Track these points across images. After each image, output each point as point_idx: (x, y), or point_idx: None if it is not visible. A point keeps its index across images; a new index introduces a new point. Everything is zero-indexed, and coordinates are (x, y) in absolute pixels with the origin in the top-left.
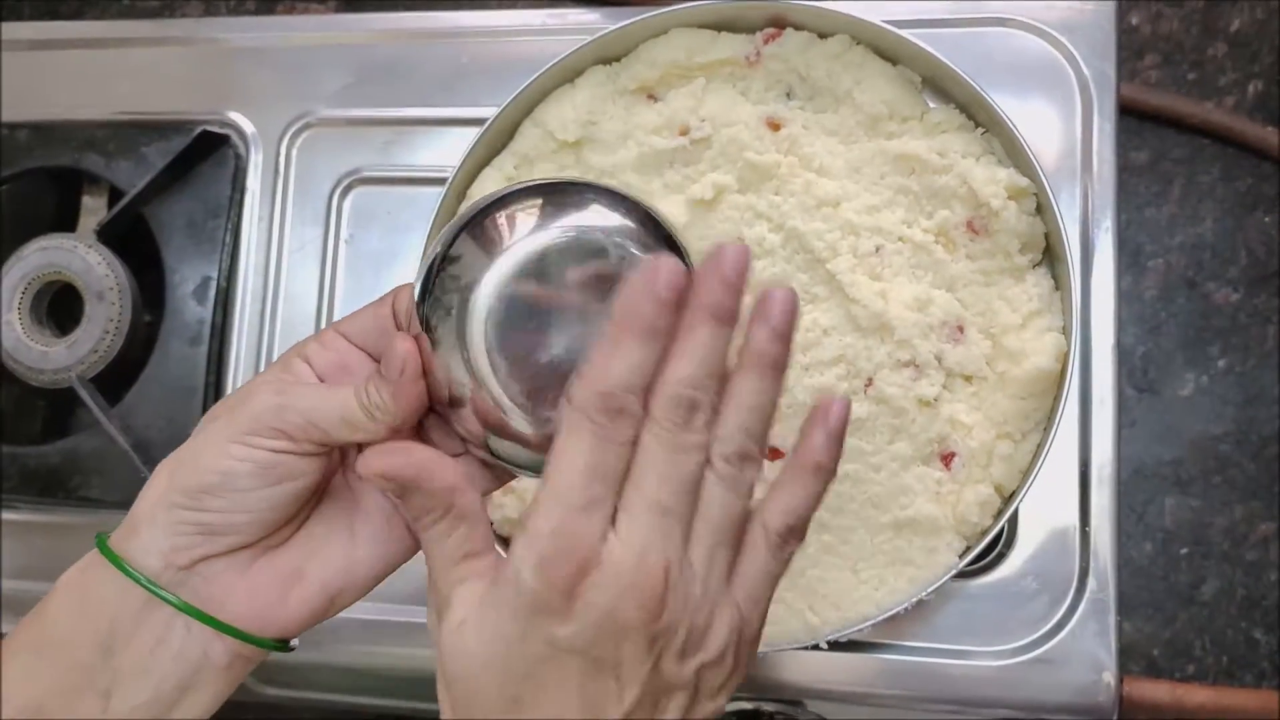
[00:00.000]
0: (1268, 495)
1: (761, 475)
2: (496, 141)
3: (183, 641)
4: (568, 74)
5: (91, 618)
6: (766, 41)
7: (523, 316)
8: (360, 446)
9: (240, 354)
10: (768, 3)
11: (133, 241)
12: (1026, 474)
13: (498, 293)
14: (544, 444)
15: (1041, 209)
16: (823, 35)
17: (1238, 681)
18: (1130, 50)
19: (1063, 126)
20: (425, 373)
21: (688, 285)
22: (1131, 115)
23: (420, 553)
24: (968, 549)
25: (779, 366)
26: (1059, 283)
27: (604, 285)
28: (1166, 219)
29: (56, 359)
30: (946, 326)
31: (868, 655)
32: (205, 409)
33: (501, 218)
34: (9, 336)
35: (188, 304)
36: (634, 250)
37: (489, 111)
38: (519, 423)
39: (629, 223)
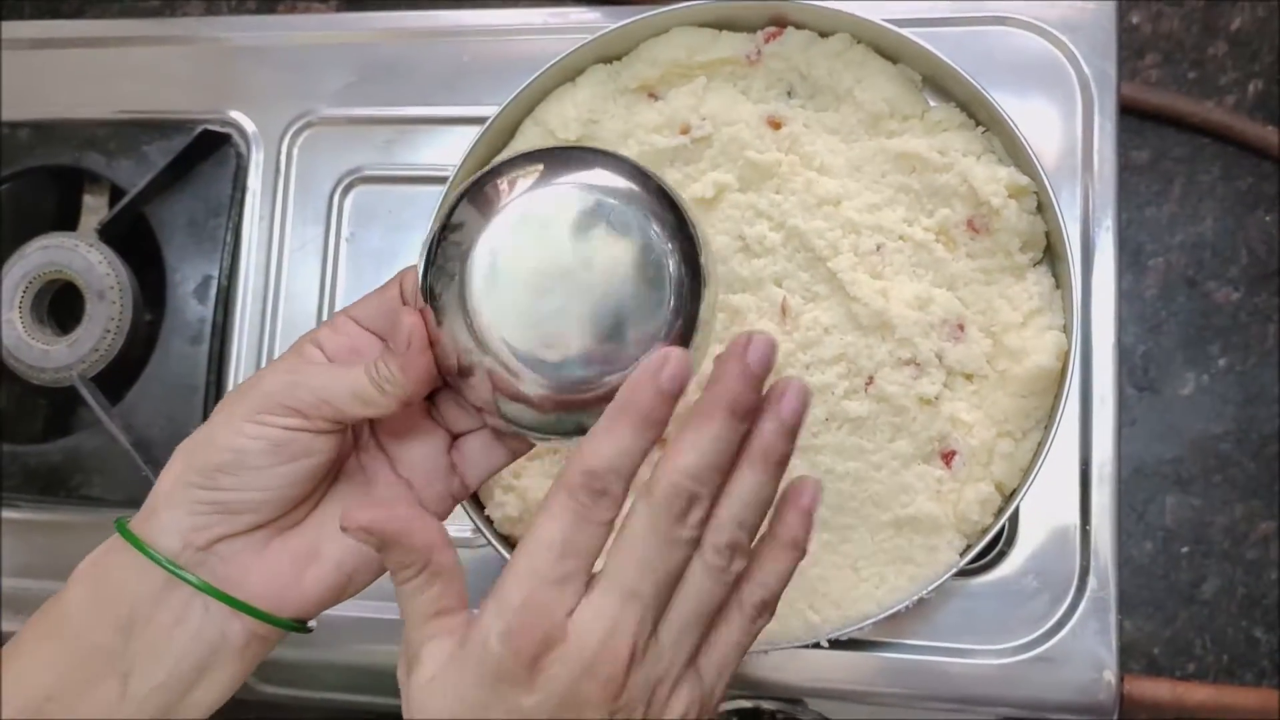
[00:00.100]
0: (1268, 494)
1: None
2: (498, 140)
3: (201, 622)
4: (569, 73)
5: (110, 601)
6: (767, 40)
7: (521, 272)
8: (372, 424)
9: (241, 353)
10: (768, 2)
11: (134, 240)
12: (1027, 472)
13: (495, 250)
14: (553, 404)
15: (1042, 207)
16: (823, 34)
17: (1238, 680)
18: (1131, 49)
19: (1063, 125)
20: (433, 344)
21: (688, 377)
22: (1132, 114)
23: None
24: (968, 547)
25: (783, 463)
26: (1059, 281)
27: (604, 237)
28: (1167, 218)
29: (57, 358)
30: (947, 325)
31: (868, 654)
32: (206, 407)
33: (503, 182)
34: (10, 335)
35: (189, 303)
36: (634, 206)
37: (490, 110)
38: (528, 382)
39: (631, 184)
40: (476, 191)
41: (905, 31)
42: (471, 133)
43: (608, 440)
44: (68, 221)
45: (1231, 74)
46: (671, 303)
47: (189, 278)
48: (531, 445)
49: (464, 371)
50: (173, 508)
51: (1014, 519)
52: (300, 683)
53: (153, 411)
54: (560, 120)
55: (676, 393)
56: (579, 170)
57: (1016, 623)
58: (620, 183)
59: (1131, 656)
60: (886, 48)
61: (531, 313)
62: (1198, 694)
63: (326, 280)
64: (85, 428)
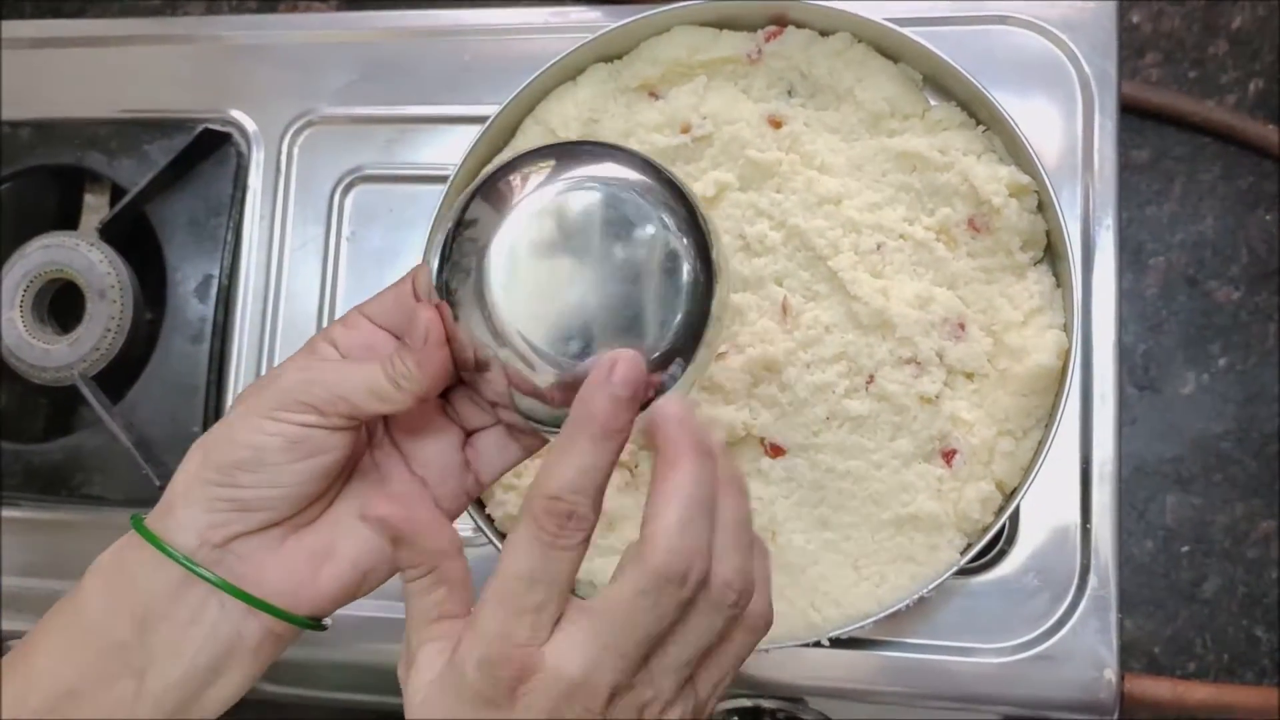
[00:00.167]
0: (1268, 493)
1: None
2: (498, 139)
3: (216, 619)
4: (569, 72)
5: (126, 598)
6: (768, 39)
7: (538, 266)
8: (387, 421)
9: (242, 352)
10: (769, 1)
11: (135, 239)
12: (1028, 471)
13: (511, 245)
14: (568, 398)
15: (1043, 206)
16: (824, 33)
17: (1239, 679)
18: (1131, 48)
19: (1064, 124)
20: (449, 339)
21: (644, 380)
22: (1132, 113)
23: None
24: (969, 546)
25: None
26: (1060, 280)
27: (618, 230)
28: (1167, 217)
29: (58, 357)
30: (948, 323)
31: (869, 652)
32: (207, 406)
33: (515, 178)
34: (11, 334)
35: (189, 302)
36: (647, 200)
37: (491, 109)
38: (544, 374)
39: (643, 177)
40: (490, 188)
41: (906, 31)
42: (472, 132)
43: (565, 459)
44: (69, 221)
45: (1232, 73)
46: (686, 295)
47: (190, 277)
48: (545, 441)
49: (480, 366)
50: (190, 505)
51: (1014, 518)
52: (307, 682)
53: (154, 410)
54: (561, 119)
55: (631, 396)
56: (591, 164)
57: (1017, 621)
58: (633, 176)
59: (1132, 655)
60: (887, 47)
61: (548, 306)
62: (1198, 693)
63: (327, 279)
64: (86, 427)
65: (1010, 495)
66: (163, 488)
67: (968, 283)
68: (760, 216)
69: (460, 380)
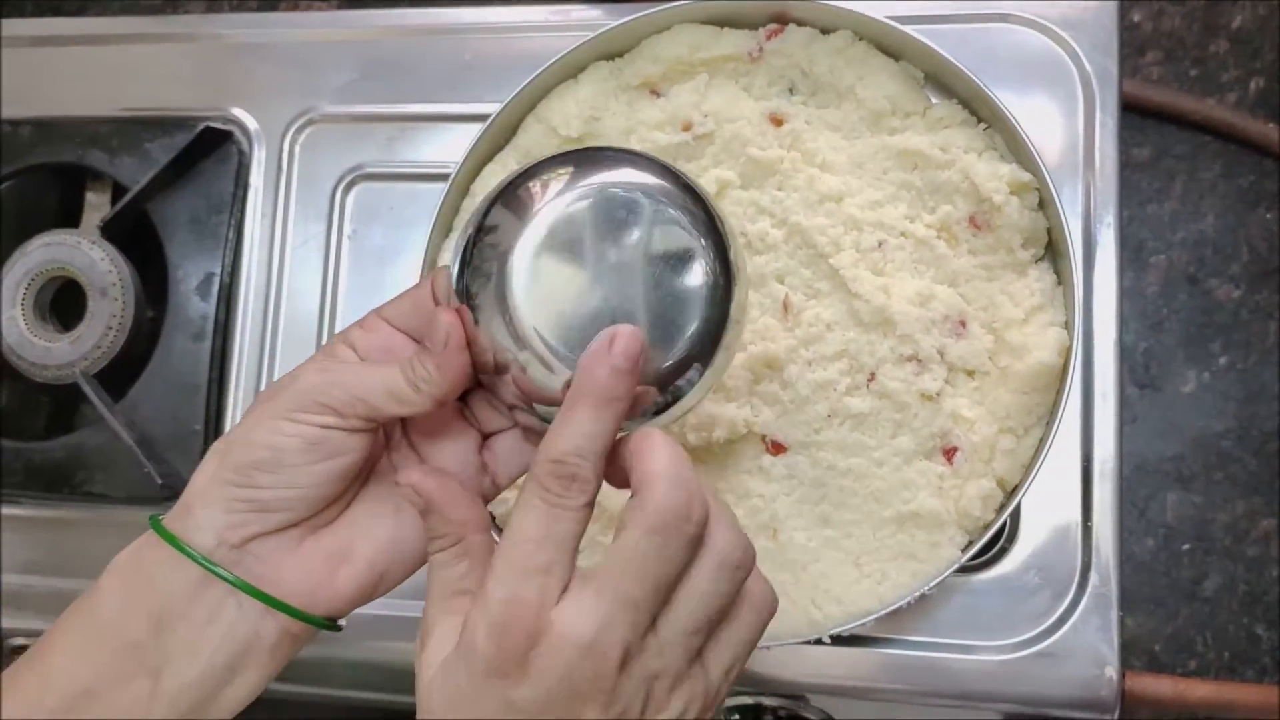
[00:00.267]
0: (1269, 491)
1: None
2: (500, 137)
3: (234, 619)
4: (571, 70)
5: (143, 597)
6: (769, 37)
7: (558, 270)
8: (404, 424)
9: (244, 349)
10: None
11: (136, 237)
12: (1029, 469)
13: (534, 250)
14: None
15: (1044, 204)
16: (825, 31)
17: (1239, 676)
18: (1132, 47)
19: (1065, 122)
20: (469, 343)
21: (639, 351)
22: (1133, 112)
23: None
24: (970, 543)
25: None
26: (1061, 278)
27: (638, 235)
28: (1168, 215)
29: (60, 355)
30: (949, 321)
31: (870, 650)
32: (209, 404)
33: (535, 184)
34: (12, 333)
35: (191, 300)
36: (666, 204)
37: (492, 107)
38: (563, 377)
39: (662, 182)
40: (510, 195)
41: (907, 28)
42: (473, 130)
43: (568, 426)
44: (70, 219)
45: (1233, 72)
46: (705, 299)
47: (191, 275)
48: None
49: (499, 369)
50: (208, 505)
51: (1015, 515)
52: (311, 679)
53: (155, 408)
54: (562, 117)
55: (630, 368)
56: (609, 170)
57: (1018, 619)
58: (650, 180)
59: (1133, 653)
60: (888, 45)
61: (569, 310)
62: (1199, 690)
63: (328, 277)
64: (88, 425)
65: (1011, 493)
66: (164, 486)
67: (969, 280)
68: (761, 214)
69: (478, 383)
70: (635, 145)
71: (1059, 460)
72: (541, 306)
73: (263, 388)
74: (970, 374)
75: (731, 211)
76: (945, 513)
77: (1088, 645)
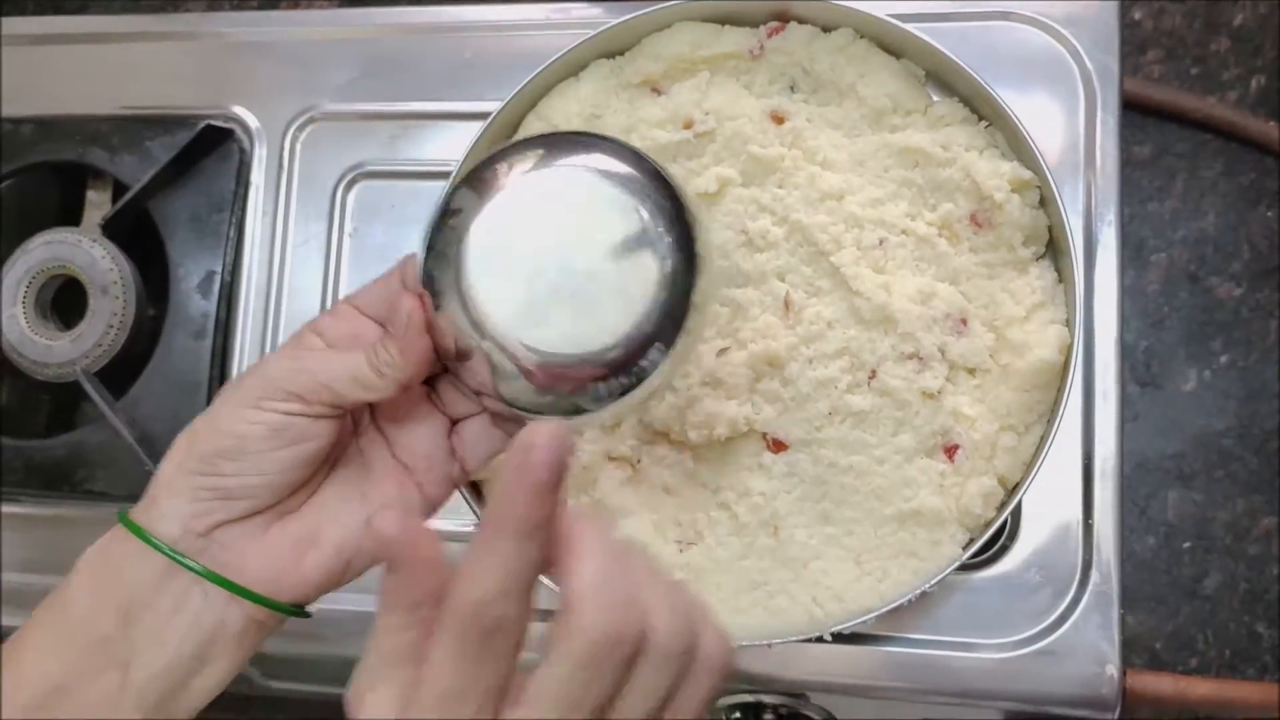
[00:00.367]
0: (1270, 490)
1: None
2: (501, 135)
3: (199, 608)
4: (571, 68)
5: (111, 590)
6: (770, 35)
7: (514, 253)
8: (373, 409)
9: (244, 348)
10: None
11: (137, 236)
12: (1030, 467)
13: (487, 232)
14: (548, 384)
15: (1045, 202)
16: (826, 29)
17: (1240, 675)
18: (1133, 45)
19: (1066, 120)
20: (431, 328)
21: (565, 453)
22: (1134, 110)
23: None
24: (971, 541)
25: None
26: (1062, 276)
27: (596, 218)
28: (1169, 213)
29: (61, 353)
30: (950, 319)
31: (871, 648)
32: (210, 402)
33: (502, 166)
34: (14, 331)
35: (192, 298)
36: (629, 188)
37: (493, 106)
38: (522, 362)
39: (627, 168)
40: (475, 177)
41: (908, 26)
42: (475, 128)
43: (488, 562)
44: (71, 217)
45: (1234, 70)
46: (663, 283)
47: (192, 273)
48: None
49: (461, 354)
50: (173, 495)
51: (1016, 513)
52: (303, 677)
53: (156, 406)
54: (563, 115)
55: (554, 481)
56: (576, 154)
57: (1019, 617)
58: (616, 166)
59: (1134, 651)
60: (889, 43)
61: (524, 294)
62: (1200, 688)
63: (329, 275)
64: (89, 423)
65: (1012, 491)
66: None
67: (970, 278)
68: (762, 212)
69: (445, 369)
70: (636, 143)
71: (1060, 458)
72: (496, 291)
73: None
74: (971, 372)
75: (732, 209)
76: (946, 510)
77: (1088, 643)
